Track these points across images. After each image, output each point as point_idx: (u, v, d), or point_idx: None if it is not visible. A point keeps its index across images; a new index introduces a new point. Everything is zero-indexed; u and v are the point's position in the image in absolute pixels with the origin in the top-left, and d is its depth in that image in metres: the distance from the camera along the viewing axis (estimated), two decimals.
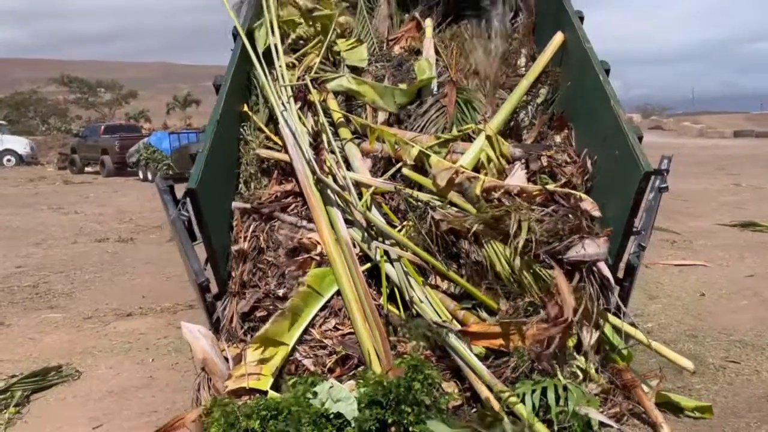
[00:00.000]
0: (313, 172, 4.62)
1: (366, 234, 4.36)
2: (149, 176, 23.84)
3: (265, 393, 3.71)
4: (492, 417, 3.50)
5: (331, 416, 3.41)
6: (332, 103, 5.24)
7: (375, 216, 4.40)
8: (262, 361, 3.88)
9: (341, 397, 3.52)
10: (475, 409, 3.71)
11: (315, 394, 3.52)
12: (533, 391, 3.68)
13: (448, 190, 4.40)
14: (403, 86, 5.36)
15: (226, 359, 4.00)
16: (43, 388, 4.69)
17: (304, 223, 4.59)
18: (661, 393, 3.92)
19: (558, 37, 5.05)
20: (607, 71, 4.66)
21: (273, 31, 5.29)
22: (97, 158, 27.70)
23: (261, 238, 4.56)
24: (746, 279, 7.04)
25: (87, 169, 28.90)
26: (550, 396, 3.63)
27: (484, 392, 3.69)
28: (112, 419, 4.16)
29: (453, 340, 3.88)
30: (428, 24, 5.97)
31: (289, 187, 4.83)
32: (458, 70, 5.53)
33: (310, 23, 5.79)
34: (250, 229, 4.63)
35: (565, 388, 3.68)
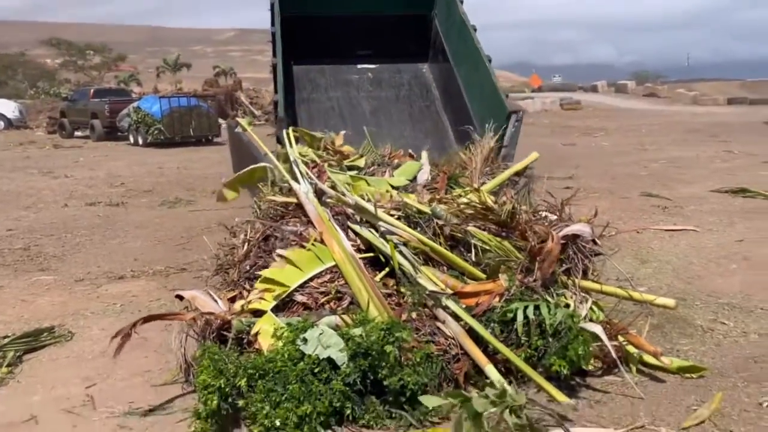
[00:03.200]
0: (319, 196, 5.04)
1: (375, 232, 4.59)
2: (140, 141, 23.68)
3: (264, 313, 3.90)
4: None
5: (317, 371, 3.45)
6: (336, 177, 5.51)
7: (384, 216, 4.60)
8: (265, 291, 4.07)
9: (331, 343, 3.56)
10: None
11: (305, 340, 3.56)
12: (526, 307, 3.81)
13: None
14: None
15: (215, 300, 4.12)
16: (35, 349, 4.69)
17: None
18: (646, 356, 3.99)
19: (533, 155, 6.39)
20: (490, 60, 7.95)
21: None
22: (86, 122, 27.39)
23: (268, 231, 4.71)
24: (736, 244, 7.08)
25: (77, 133, 28.61)
26: (544, 310, 3.75)
27: (477, 354, 3.73)
28: (105, 379, 4.18)
29: (448, 303, 3.97)
30: (424, 155, 6.65)
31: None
32: (446, 171, 6.18)
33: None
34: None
35: (556, 306, 3.83)
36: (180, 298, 4.27)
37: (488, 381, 3.57)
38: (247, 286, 4.27)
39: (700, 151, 16.97)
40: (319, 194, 4.97)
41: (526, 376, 3.74)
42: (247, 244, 4.70)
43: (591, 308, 4.24)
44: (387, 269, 4.41)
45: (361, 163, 6.18)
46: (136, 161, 18.63)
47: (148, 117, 23.26)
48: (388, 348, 3.43)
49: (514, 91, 52.19)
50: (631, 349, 4.00)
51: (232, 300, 4.18)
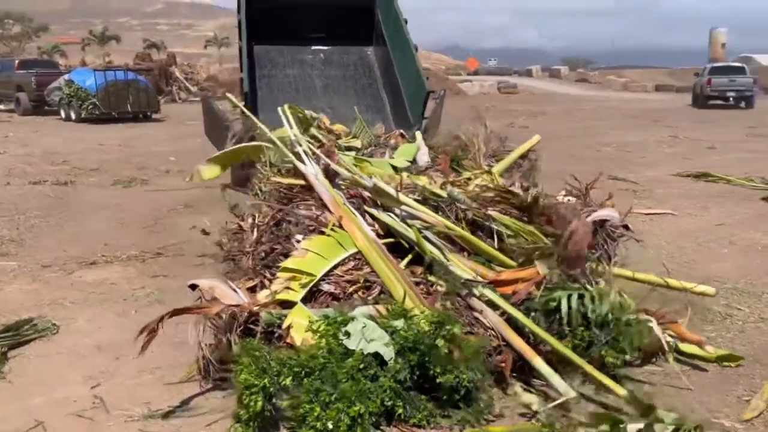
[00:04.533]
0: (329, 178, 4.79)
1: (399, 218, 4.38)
2: (72, 116, 22.37)
3: (292, 304, 3.61)
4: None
5: (362, 366, 3.21)
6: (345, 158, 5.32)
7: (407, 200, 4.39)
8: (292, 281, 3.79)
9: (375, 336, 3.33)
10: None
11: (347, 334, 3.30)
12: (570, 296, 3.65)
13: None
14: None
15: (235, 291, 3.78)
16: (19, 344, 4.24)
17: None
18: (683, 346, 3.93)
19: (535, 138, 6.48)
20: (416, 48, 9.55)
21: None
22: (11, 95, 25.66)
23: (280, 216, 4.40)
24: (716, 228, 7.20)
25: (0, 106, 26.89)
26: (587, 300, 3.61)
27: (522, 346, 3.57)
28: (110, 377, 3.79)
29: (485, 292, 3.79)
30: (417, 135, 6.58)
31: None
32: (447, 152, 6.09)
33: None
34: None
35: (601, 295, 3.72)
36: (193, 287, 3.91)
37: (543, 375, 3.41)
38: (267, 275, 3.95)
39: (646, 135, 17.40)
40: (330, 176, 4.68)
41: (568, 368, 3.60)
42: (256, 229, 4.37)
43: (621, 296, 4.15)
44: (410, 256, 4.19)
45: (358, 143, 5.91)
46: (72, 138, 17.59)
47: (81, 91, 21.93)
48: (440, 342, 3.22)
49: (450, 73, 52.35)
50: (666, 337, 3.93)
51: (252, 290, 3.87)
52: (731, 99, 29.60)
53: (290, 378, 3.09)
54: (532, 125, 20.88)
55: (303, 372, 3.12)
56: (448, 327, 3.27)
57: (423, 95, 9.04)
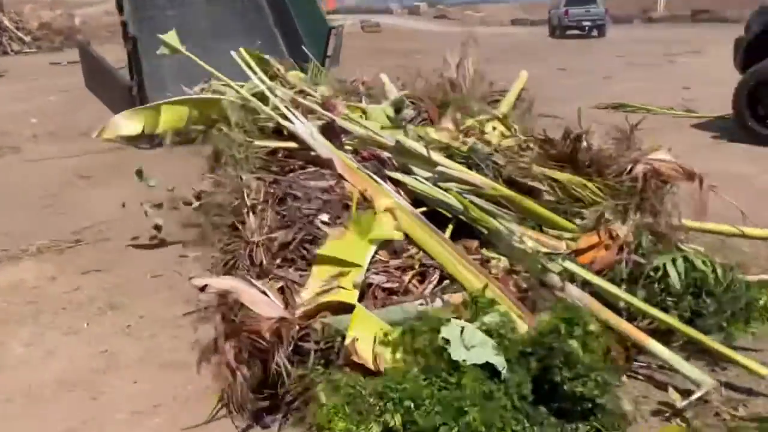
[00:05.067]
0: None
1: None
2: None
3: (352, 308, 2.77)
4: None
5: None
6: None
7: (442, 158, 3.61)
8: (337, 277, 2.92)
9: (475, 342, 2.59)
10: None
11: (446, 341, 2.54)
12: (674, 260, 3.17)
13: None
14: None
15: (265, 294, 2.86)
16: None
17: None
18: None
19: (524, 75, 6.24)
20: None
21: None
22: None
23: (279, 191, 3.40)
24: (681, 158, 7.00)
25: None
26: (698, 262, 3.12)
27: (628, 328, 2.98)
28: (99, 428, 2.79)
29: (568, 265, 3.13)
30: (384, 78, 5.82)
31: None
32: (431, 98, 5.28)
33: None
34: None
35: (708, 258, 3.29)
36: (202, 289, 2.92)
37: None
38: (293, 272, 3.04)
39: (535, 69, 17.21)
40: (333, 134, 3.77)
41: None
42: (252, 212, 3.40)
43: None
44: (450, 227, 3.44)
45: (326, 92, 4.96)
46: None
47: None
48: (573, 344, 2.53)
49: None
50: None
51: (281, 291, 2.96)
52: (586, 28, 30.94)
53: (399, 414, 2.29)
54: (409, 65, 20.38)
55: (412, 405, 2.33)
56: (585, 322, 2.58)
57: (325, 32, 9.01)
